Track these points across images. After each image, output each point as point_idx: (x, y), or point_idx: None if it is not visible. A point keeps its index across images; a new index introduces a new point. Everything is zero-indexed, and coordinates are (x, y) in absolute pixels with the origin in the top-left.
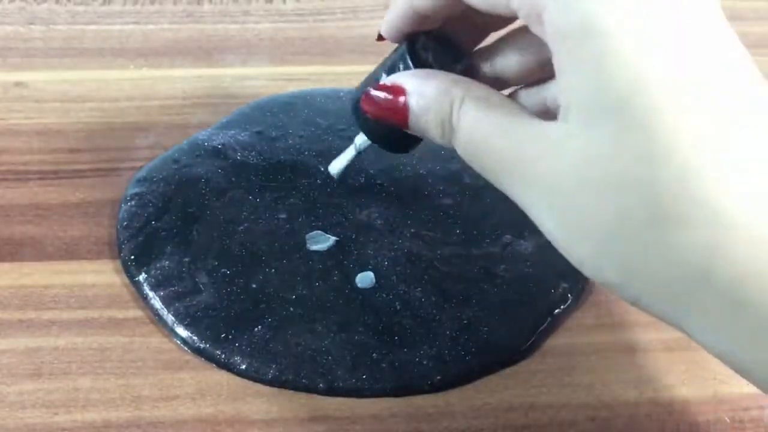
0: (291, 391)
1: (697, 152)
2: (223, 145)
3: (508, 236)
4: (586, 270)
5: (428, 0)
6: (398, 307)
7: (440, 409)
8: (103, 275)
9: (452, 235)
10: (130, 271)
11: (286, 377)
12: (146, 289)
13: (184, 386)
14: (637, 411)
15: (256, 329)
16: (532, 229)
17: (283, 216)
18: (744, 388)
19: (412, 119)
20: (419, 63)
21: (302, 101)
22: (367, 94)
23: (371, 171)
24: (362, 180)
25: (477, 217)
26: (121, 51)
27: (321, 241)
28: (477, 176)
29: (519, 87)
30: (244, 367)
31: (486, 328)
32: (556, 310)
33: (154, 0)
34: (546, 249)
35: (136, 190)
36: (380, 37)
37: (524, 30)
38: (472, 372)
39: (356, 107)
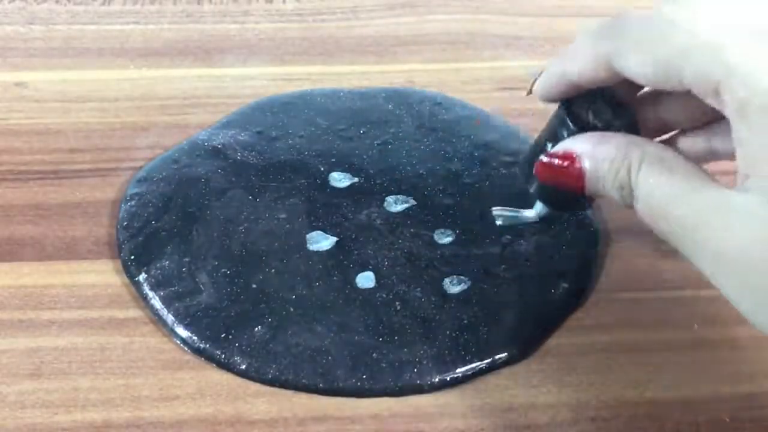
0: (291, 391)
1: None
2: (223, 145)
3: (508, 236)
4: None
5: (583, 71)
6: (398, 307)
7: (440, 409)
8: (103, 275)
9: (452, 235)
10: (130, 271)
11: (286, 377)
12: (146, 289)
13: (184, 386)
14: (637, 411)
15: (256, 329)
16: (532, 229)
17: (283, 216)
18: (744, 388)
19: (589, 184)
20: (580, 124)
21: (302, 101)
22: (541, 163)
23: (371, 171)
24: (362, 180)
25: (477, 217)
26: (121, 51)
27: (321, 241)
28: (477, 176)
29: (684, 131)
30: (244, 367)
31: (486, 328)
32: (556, 310)
33: (154, 0)
34: (546, 249)
35: (136, 190)
36: (530, 92)
37: None
38: (472, 372)
39: (528, 174)
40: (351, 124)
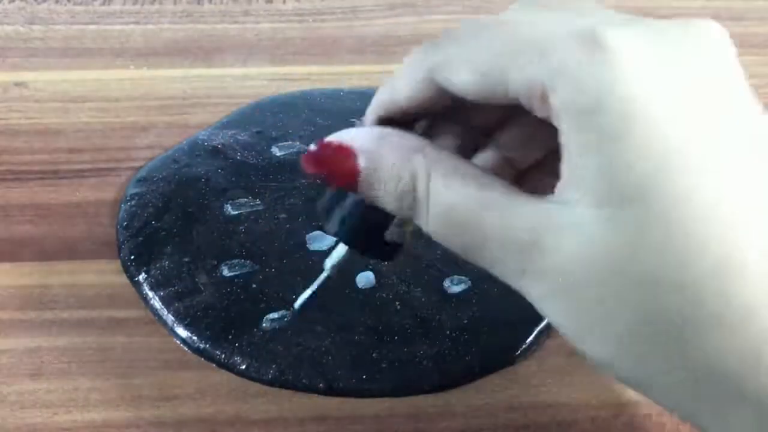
0: (291, 391)
1: (737, 245)
2: (223, 145)
3: None
4: (598, 367)
5: (409, 92)
6: (398, 307)
7: (440, 409)
8: (103, 275)
9: None
10: (130, 271)
11: (286, 377)
12: (146, 289)
13: (184, 386)
14: (637, 411)
15: (255, 329)
16: None
17: (283, 216)
18: None
19: (363, 186)
20: None
21: (302, 101)
22: (311, 153)
23: None
24: None
25: None
26: (121, 51)
27: (321, 241)
28: None
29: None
30: (244, 366)
31: (486, 328)
32: None
33: (154, 0)
34: None
35: (136, 190)
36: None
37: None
38: (472, 372)
39: (329, 212)
40: (351, 125)
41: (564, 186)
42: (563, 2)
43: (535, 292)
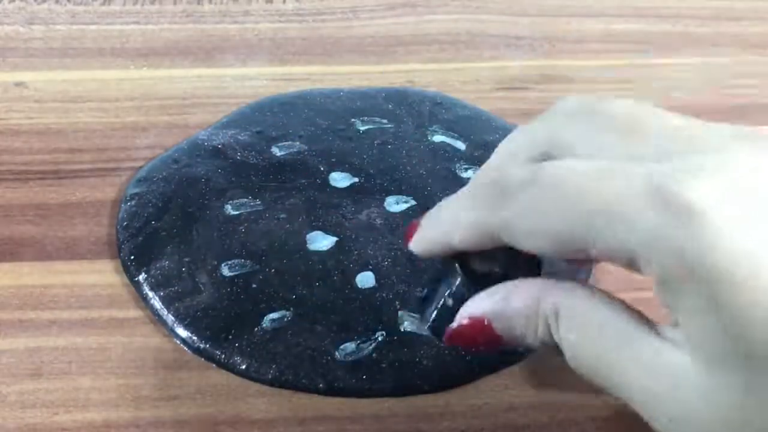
0: (291, 391)
1: None
2: (223, 144)
3: None
4: None
5: (464, 239)
6: (398, 307)
7: (440, 409)
8: (103, 275)
9: None
10: (130, 271)
11: (286, 377)
12: (146, 289)
13: (184, 386)
14: None
15: (256, 329)
16: None
17: (283, 216)
18: None
19: (511, 343)
20: (481, 279)
21: (302, 101)
22: (452, 333)
23: (371, 171)
24: (362, 180)
25: None
26: (122, 51)
27: (321, 241)
28: None
29: None
30: (244, 367)
31: None
32: None
33: (155, 0)
34: None
35: (136, 190)
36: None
37: None
38: (472, 372)
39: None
40: (351, 124)
41: (672, 332)
42: (622, 125)
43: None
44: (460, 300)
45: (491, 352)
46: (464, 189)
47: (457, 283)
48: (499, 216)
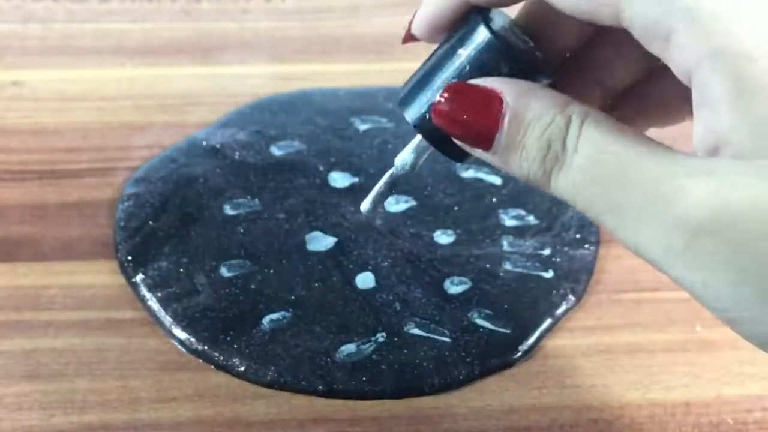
0: (290, 393)
1: None
2: (221, 144)
3: (508, 236)
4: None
5: None
6: (398, 308)
7: (440, 411)
8: (100, 276)
9: (453, 235)
10: (127, 272)
11: (285, 379)
12: (144, 289)
13: (182, 388)
14: (639, 413)
15: (254, 330)
16: (533, 229)
17: (281, 216)
18: (747, 389)
19: (507, 130)
20: (513, 52)
21: (301, 100)
22: (454, 89)
23: (371, 171)
24: (362, 180)
25: (477, 217)
26: (119, 49)
27: (321, 241)
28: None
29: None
30: (242, 368)
31: (486, 329)
32: (557, 311)
33: None
34: (546, 249)
35: (134, 189)
36: (409, 38)
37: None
38: (473, 374)
39: (412, 97)
40: (350, 124)
41: (711, 138)
42: None
43: (669, 245)
44: (479, 69)
45: (465, 142)
46: None
47: (483, 39)
48: None
